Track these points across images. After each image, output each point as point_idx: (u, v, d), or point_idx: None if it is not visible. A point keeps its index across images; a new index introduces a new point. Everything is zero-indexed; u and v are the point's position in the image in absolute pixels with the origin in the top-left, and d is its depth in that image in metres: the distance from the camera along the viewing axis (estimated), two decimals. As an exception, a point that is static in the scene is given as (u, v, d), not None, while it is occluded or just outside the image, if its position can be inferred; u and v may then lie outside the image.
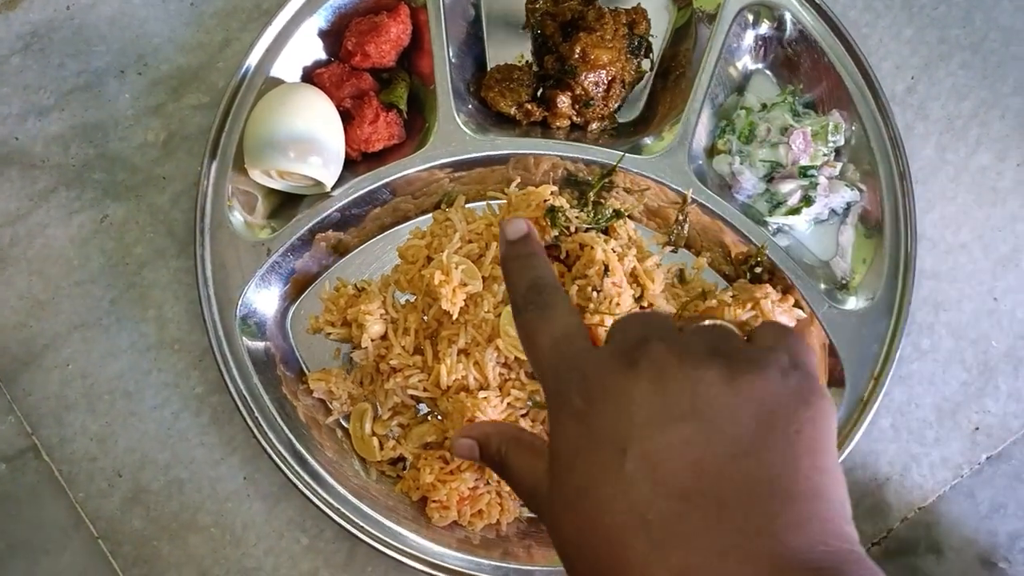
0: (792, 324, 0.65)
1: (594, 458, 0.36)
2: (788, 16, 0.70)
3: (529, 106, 0.70)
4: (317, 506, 0.64)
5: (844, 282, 0.69)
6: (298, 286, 0.70)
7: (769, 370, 0.36)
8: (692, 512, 0.33)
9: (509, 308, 0.63)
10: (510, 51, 0.73)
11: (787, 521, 0.33)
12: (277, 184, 0.68)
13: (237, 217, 0.67)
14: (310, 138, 0.64)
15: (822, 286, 0.68)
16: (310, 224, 0.66)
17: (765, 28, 0.71)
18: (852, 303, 0.68)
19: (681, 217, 0.68)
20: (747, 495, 0.33)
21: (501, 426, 0.50)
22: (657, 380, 0.36)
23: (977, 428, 0.70)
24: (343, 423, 0.68)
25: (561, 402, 0.39)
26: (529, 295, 0.44)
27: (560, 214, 0.65)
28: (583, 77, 0.68)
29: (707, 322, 0.40)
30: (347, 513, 0.64)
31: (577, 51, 0.67)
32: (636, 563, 0.33)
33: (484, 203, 0.70)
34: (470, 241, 0.66)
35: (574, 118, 0.70)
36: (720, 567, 0.32)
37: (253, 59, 0.68)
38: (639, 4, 0.71)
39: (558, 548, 0.38)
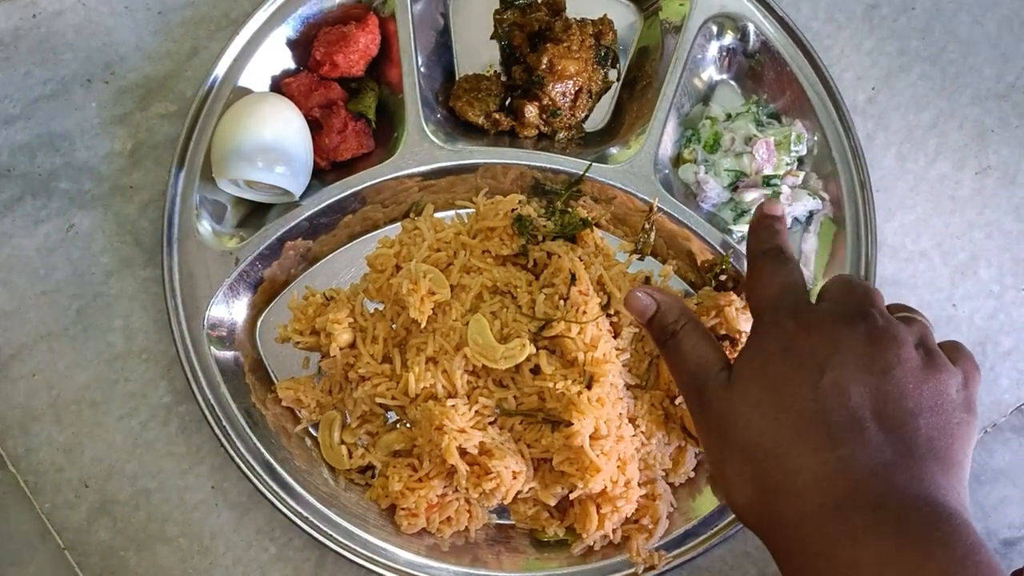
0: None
1: (792, 366, 0.46)
2: (751, 28, 0.71)
3: (497, 116, 0.70)
4: (286, 515, 0.64)
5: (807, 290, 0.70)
6: (267, 295, 0.70)
7: (956, 377, 0.47)
8: (866, 429, 0.44)
9: (476, 317, 0.63)
10: (478, 61, 0.73)
11: (935, 468, 0.43)
12: (245, 193, 0.68)
13: (205, 226, 0.67)
14: (278, 148, 0.64)
15: (785, 293, 0.69)
16: (279, 233, 0.67)
17: (729, 40, 0.72)
18: (815, 310, 0.69)
19: (648, 225, 0.69)
20: (908, 437, 0.44)
21: (684, 302, 0.57)
22: (868, 340, 0.46)
23: (937, 432, 0.71)
24: (312, 431, 0.69)
25: (772, 322, 0.49)
26: (771, 251, 0.53)
27: (528, 223, 0.66)
28: (550, 87, 0.68)
29: (910, 315, 0.51)
30: (316, 522, 0.64)
31: (544, 61, 0.68)
32: (812, 447, 0.44)
33: (453, 212, 0.71)
34: (438, 250, 0.67)
35: (542, 127, 0.71)
36: (874, 468, 0.43)
37: (221, 68, 0.68)
38: (605, 15, 0.72)
39: (717, 427, 0.48)
